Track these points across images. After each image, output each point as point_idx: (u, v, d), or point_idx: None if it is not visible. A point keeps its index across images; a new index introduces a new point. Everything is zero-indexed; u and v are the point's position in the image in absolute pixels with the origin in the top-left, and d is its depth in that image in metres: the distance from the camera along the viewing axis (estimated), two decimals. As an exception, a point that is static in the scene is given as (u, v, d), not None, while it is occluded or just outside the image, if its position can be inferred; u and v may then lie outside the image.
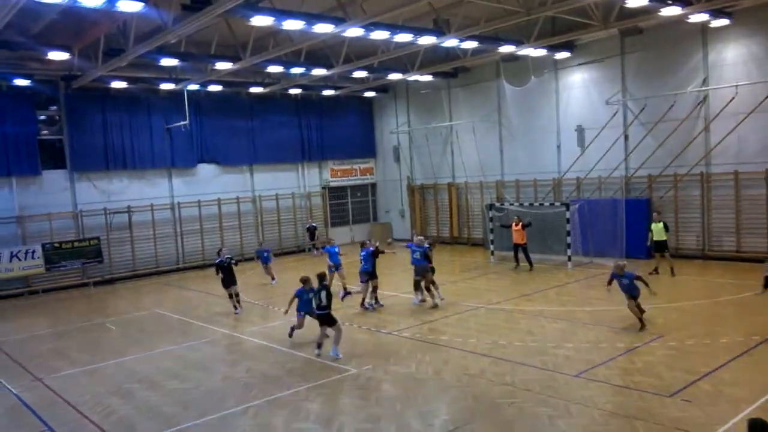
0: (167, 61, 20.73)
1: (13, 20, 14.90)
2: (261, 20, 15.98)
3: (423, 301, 16.80)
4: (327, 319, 12.54)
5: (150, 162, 26.36)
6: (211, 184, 28.28)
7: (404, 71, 25.81)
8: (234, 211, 28.83)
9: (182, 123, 25.39)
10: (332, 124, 32.11)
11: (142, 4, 13.95)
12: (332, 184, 32.79)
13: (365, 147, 33.91)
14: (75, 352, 14.67)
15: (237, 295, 17.44)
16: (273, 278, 21.99)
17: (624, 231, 21.23)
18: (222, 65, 21.65)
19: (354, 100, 32.57)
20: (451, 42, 20.40)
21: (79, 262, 23.97)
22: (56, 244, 23.44)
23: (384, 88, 31.50)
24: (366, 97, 32.71)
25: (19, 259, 22.68)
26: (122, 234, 25.51)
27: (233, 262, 17.46)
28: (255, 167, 29.75)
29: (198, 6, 15.04)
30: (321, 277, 12.86)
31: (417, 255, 16.58)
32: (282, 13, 16.03)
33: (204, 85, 25.43)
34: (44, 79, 22.91)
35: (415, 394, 10.14)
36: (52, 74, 22.64)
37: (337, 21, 16.96)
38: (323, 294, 12.46)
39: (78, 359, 13.90)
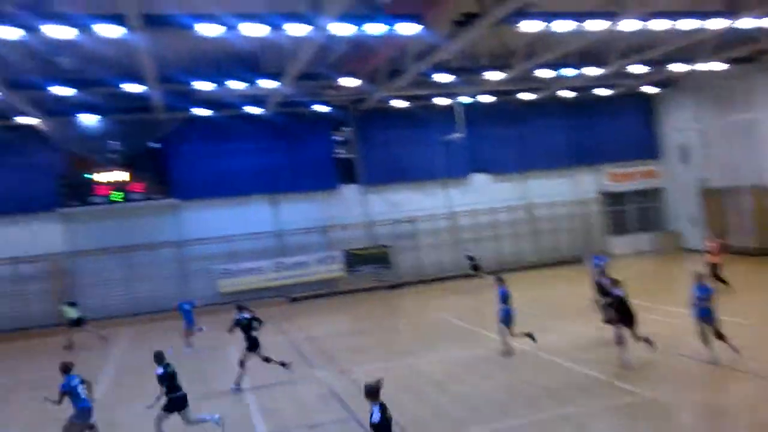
0: (441, 77, 21.87)
1: (314, 55, 17.19)
2: (530, 25, 15.93)
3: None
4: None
5: (428, 174, 28.10)
6: (483, 194, 29.00)
7: (690, 61, 23.29)
8: (508, 220, 29.11)
9: (456, 135, 26.51)
10: (607, 126, 30.41)
11: (420, 26, 14.98)
12: (609, 190, 30.96)
13: (645, 148, 31.32)
14: (373, 348, 16.19)
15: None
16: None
17: None
18: (493, 75, 22.06)
19: (630, 98, 30.38)
20: (746, 23, 17.79)
21: (372, 267, 26.69)
22: (353, 251, 26.46)
23: (666, 83, 28.79)
24: (645, 94, 30.26)
25: (324, 264, 26.11)
26: (408, 242, 27.65)
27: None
28: (526, 174, 29.64)
29: (468, 20, 15.60)
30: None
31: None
32: (551, 16, 15.76)
33: (474, 96, 26.23)
34: (337, 104, 26.00)
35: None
36: (344, 99, 25.58)
37: (610, 15, 16.05)
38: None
39: (375, 355, 15.31)
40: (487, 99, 27.03)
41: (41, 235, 24.17)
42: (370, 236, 27.42)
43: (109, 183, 23.79)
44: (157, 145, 24.93)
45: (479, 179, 29.26)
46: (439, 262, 27.97)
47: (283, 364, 13.51)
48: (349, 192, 27.72)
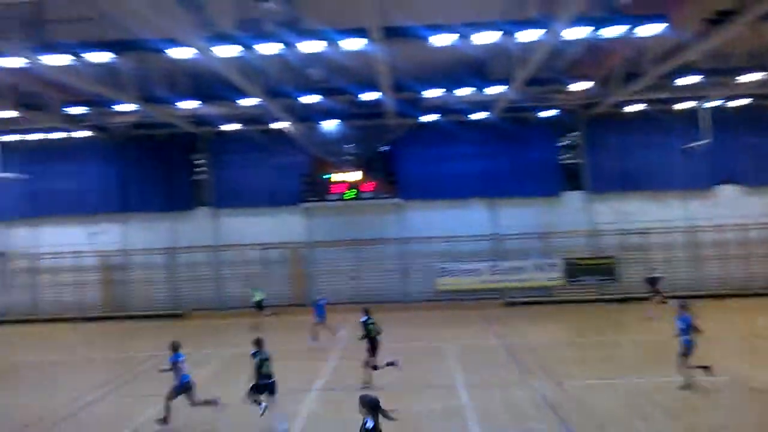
0: (686, 80, 19.99)
1: (544, 59, 16.86)
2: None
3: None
4: None
5: (664, 183, 26.05)
6: (731, 207, 25.90)
7: None
8: (761, 238, 25.66)
9: (700, 142, 24.00)
10: None
11: (664, 25, 13.89)
12: None
13: None
14: (593, 362, 15.50)
15: None
16: None
17: None
18: (748, 77, 19.59)
19: None
20: None
21: (595, 278, 25.45)
22: (575, 260, 25.54)
23: None
24: None
25: (542, 270, 25.59)
26: (636, 255, 25.82)
27: None
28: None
29: (723, 18, 14.05)
30: None
31: None
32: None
33: (723, 100, 23.50)
34: (565, 108, 25.16)
35: None
36: (572, 103, 24.69)
37: None
38: None
39: (596, 370, 14.65)
40: (738, 103, 24.04)
41: (285, 226, 27.35)
42: (593, 246, 26.14)
43: (344, 182, 26.09)
44: (387, 149, 26.57)
45: (727, 191, 26.19)
46: (673, 279, 25.53)
47: (391, 364, 13.52)
48: (573, 199, 26.71)
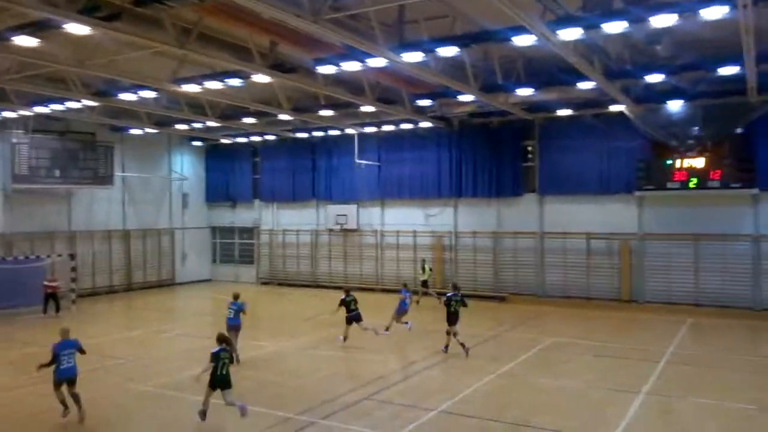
0: None
1: None
2: None
3: None
4: None
5: None
6: None
7: None
8: None
9: None
10: None
11: None
12: None
13: None
14: None
15: None
16: None
17: None
18: None
19: None
20: None
21: None
22: None
23: None
24: None
25: None
26: None
27: None
28: None
29: None
30: None
31: None
32: None
33: None
34: None
35: None
36: None
37: None
38: None
39: None
40: None
41: (614, 215, 25.99)
42: None
43: (686, 169, 23.54)
44: (742, 131, 23.10)
45: None
46: None
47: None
48: None
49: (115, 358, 17.25)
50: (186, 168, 36.06)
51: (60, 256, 27.29)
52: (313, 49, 16.84)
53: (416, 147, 30.26)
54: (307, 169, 33.88)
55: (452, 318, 17.09)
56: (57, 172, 28.05)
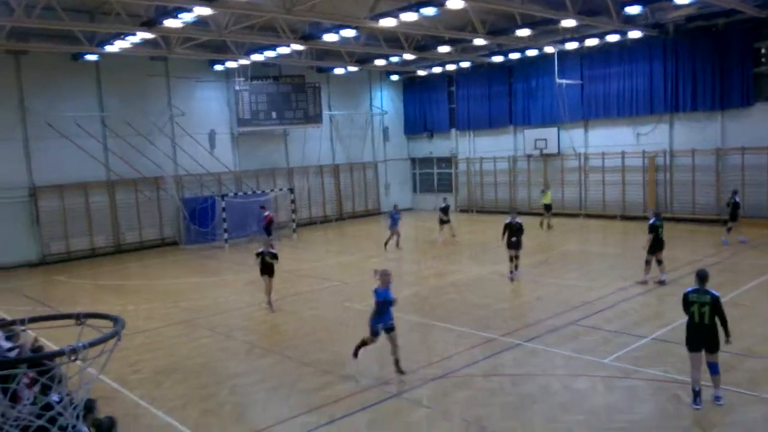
0: None
1: None
2: None
3: None
4: None
5: None
6: None
7: None
8: None
9: None
10: None
11: None
12: None
13: None
14: None
15: None
16: None
17: None
18: None
19: None
20: None
21: None
22: None
23: None
24: None
25: None
26: None
27: None
28: None
29: None
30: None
31: None
32: None
33: None
34: None
35: None
36: None
37: None
38: None
39: None
40: None
41: None
42: None
43: None
44: None
45: None
46: None
47: None
48: None
49: (331, 280, 18.95)
50: (385, 102, 37.32)
51: (281, 190, 30.46)
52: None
53: (624, 60, 27.83)
54: (503, 94, 33.08)
55: (658, 245, 15.87)
56: (274, 114, 30.90)
